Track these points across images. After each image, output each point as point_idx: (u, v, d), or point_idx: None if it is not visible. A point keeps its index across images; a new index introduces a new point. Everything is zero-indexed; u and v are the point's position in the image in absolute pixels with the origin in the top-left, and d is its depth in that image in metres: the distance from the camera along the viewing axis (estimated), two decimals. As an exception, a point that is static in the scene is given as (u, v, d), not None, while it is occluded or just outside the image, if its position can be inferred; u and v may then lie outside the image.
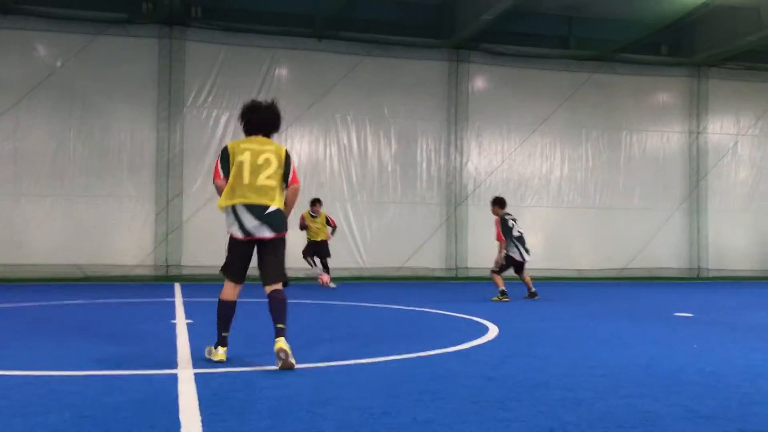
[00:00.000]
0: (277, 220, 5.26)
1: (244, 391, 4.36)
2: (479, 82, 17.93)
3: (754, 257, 19.51)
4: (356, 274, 16.63)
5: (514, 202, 17.43)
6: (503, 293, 11.07)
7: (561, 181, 18.35)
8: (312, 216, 14.04)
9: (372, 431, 3.49)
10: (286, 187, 5.38)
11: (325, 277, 13.53)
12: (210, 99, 16.15)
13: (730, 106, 19.43)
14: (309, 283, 14.27)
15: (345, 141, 17.02)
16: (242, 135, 5.60)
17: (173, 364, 5.24)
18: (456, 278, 17.26)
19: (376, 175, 17.22)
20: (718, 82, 19.21)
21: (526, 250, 11.36)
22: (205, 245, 15.91)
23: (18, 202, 15.17)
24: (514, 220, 11.50)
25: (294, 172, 5.42)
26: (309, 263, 13.96)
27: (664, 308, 10.30)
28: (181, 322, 7.86)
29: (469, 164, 17.80)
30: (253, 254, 5.40)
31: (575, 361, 5.61)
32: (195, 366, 5.17)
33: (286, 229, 5.35)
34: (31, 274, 14.74)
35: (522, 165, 18.10)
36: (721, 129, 19.48)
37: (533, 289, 11.38)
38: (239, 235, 5.27)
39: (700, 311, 9.85)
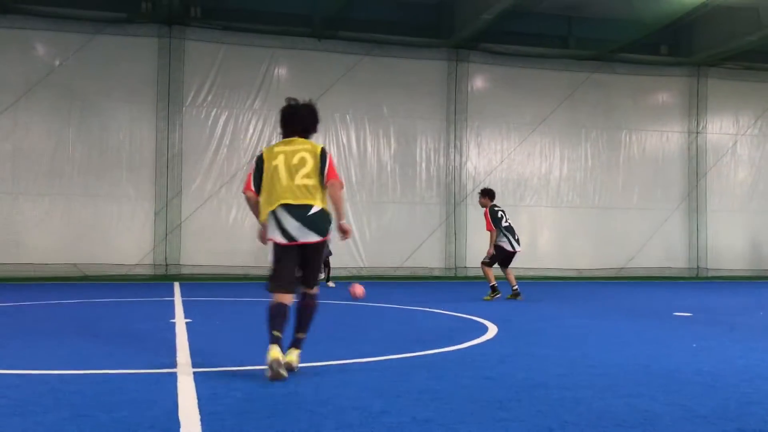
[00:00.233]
0: (321, 222, 4.89)
1: (243, 390, 4.35)
2: (478, 82, 17.94)
3: (753, 257, 19.52)
4: (355, 273, 16.62)
5: (513, 202, 17.48)
6: (494, 289, 11.05)
7: (560, 180, 18.36)
8: None
9: (371, 431, 3.49)
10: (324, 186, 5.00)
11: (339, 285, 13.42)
12: (209, 98, 16.15)
13: (729, 106, 19.43)
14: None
15: (344, 140, 17.02)
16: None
17: (172, 364, 5.23)
18: (455, 278, 17.26)
19: (375, 174, 17.22)
20: (718, 81, 19.22)
21: (517, 241, 11.28)
22: (204, 244, 15.93)
23: (16, 201, 15.16)
24: (503, 211, 11.44)
25: (331, 167, 4.98)
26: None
27: (662, 308, 10.30)
28: (180, 322, 7.86)
29: (469, 164, 17.80)
30: (299, 260, 4.95)
31: (574, 360, 5.61)
32: (194, 365, 5.16)
33: (330, 228, 4.99)
34: (29, 274, 14.73)
35: (521, 165, 18.10)
36: (720, 129, 19.49)
37: (516, 289, 11.28)
38: (281, 240, 4.85)
39: (699, 311, 9.85)
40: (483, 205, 11.48)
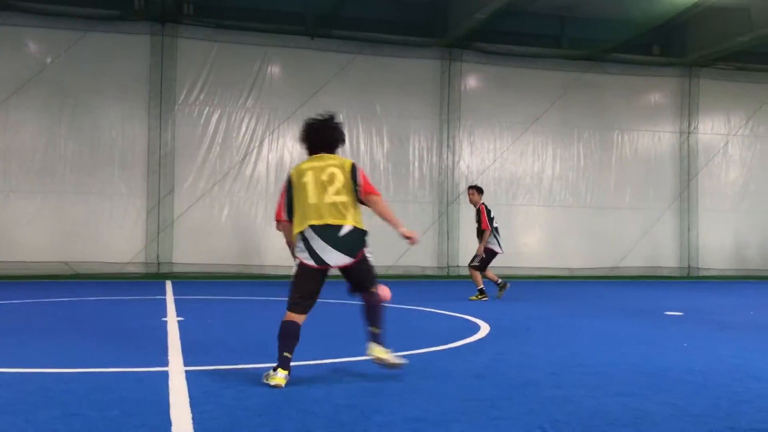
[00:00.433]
0: (353, 242, 4.72)
1: (234, 388, 4.35)
2: (471, 81, 17.95)
3: (744, 257, 19.60)
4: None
5: (505, 201, 17.51)
6: (481, 291, 11.05)
7: (552, 180, 18.39)
8: None
9: (363, 429, 3.49)
10: (360, 202, 4.83)
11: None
12: (202, 96, 16.10)
13: (720, 106, 19.50)
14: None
15: (337, 139, 16.98)
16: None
17: (164, 362, 5.23)
18: (447, 276, 17.28)
19: (368, 173, 17.15)
20: (709, 82, 19.29)
21: (500, 242, 11.30)
22: (197, 243, 15.88)
23: (7, 198, 15.07)
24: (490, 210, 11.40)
25: (365, 181, 4.83)
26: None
27: (654, 307, 10.34)
28: (172, 320, 7.84)
29: (461, 163, 17.82)
30: (324, 284, 4.78)
31: (565, 359, 5.62)
32: (186, 363, 5.16)
33: (364, 246, 4.82)
34: (20, 272, 14.64)
35: (514, 164, 18.13)
36: (712, 129, 19.57)
37: (501, 281, 11.32)
38: (311, 263, 4.67)
39: (690, 310, 9.89)
40: (475, 203, 11.30)
